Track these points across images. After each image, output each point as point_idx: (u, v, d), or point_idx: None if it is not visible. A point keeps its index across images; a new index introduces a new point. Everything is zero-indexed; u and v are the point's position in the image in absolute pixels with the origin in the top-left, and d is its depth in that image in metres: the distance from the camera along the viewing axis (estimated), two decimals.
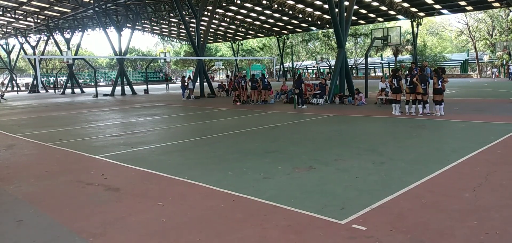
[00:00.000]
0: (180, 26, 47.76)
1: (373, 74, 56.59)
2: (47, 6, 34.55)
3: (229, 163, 7.02)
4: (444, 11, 36.30)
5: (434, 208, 4.43)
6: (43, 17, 39.51)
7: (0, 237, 4.13)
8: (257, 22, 46.17)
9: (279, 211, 4.51)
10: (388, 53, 58.84)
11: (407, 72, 15.43)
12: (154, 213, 4.61)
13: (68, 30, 44.57)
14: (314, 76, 60.55)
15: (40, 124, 14.41)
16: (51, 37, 44.72)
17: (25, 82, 59.40)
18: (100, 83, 60.21)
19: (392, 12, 36.37)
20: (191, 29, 28.82)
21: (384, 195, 4.90)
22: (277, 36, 54.68)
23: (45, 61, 66.42)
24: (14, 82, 53.17)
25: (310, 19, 40.77)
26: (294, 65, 62.38)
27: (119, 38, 34.73)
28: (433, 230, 3.86)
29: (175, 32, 56.09)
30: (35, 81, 47.61)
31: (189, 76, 31.83)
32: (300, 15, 39.25)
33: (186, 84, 26.05)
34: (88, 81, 62.37)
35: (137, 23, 44.03)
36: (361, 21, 41.90)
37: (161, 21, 46.45)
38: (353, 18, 35.85)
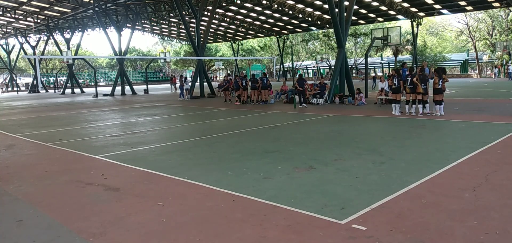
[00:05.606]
0: (180, 26, 47.75)
1: (373, 74, 56.41)
2: (47, 6, 34.56)
3: (229, 163, 7.01)
4: (444, 11, 36.31)
5: (434, 208, 4.43)
6: (43, 17, 39.51)
7: (0, 237, 4.13)
8: (257, 22, 46.16)
9: (279, 211, 4.51)
10: (388, 53, 58.80)
11: (407, 72, 15.42)
12: (154, 213, 4.61)
13: (68, 30, 44.56)
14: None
15: (40, 124, 14.40)
16: (51, 37, 44.72)
17: (25, 82, 59.38)
18: (100, 83, 60.19)
19: (392, 12, 36.37)
20: (191, 29, 28.81)
21: (384, 195, 4.90)
22: (277, 36, 54.68)
23: (45, 61, 66.41)
24: (14, 82, 53.16)
25: (310, 19, 40.76)
26: (294, 65, 62.32)
27: (119, 38, 34.76)
28: (433, 230, 3.85)
29: (175, 32, 56.08)
30: (35, 81, 47.63)
31: (187, 76, 31.59)
32: (300, 15, 39.25)
33: (182, 84, 25.90)
34: (88, 81, 62.36)
35: (137, 23, 44.04)
36: (361, 21, 41.89)
37: (161, 21, 46.44)
38: (353, 18, 35.86)
